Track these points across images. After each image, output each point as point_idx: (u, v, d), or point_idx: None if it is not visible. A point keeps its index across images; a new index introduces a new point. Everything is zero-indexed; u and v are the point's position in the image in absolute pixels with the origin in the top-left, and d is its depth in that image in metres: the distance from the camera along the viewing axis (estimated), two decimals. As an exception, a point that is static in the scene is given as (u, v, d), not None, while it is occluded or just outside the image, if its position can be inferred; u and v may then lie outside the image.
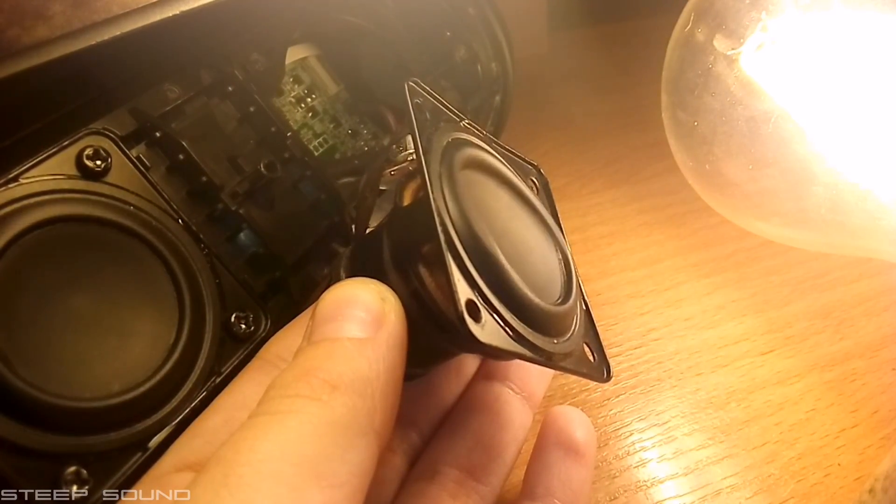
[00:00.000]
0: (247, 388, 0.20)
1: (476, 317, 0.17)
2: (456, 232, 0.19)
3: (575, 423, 0.25)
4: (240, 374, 0.21)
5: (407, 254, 0.20)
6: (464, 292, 0.17)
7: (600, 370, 0.22)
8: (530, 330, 0.19)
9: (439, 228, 0.18)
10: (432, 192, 0.19)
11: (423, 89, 0.23)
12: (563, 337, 0.21)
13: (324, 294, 0.19)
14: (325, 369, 0.17)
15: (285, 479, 0.15)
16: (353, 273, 0.21)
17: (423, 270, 0.19)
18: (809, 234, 0.33)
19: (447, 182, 0.20)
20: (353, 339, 0.18)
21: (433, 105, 0.23)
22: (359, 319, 0.18)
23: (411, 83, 0.22)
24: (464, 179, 0.20)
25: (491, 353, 0.21)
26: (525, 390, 0.26)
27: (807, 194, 0.32)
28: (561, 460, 0.24)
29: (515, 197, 0.23)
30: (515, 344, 0.18)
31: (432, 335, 0.20)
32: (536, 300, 0.20)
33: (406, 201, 0.21)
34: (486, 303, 0.18)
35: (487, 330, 0.17)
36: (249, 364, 0.21)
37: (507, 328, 0.19)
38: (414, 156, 0.22)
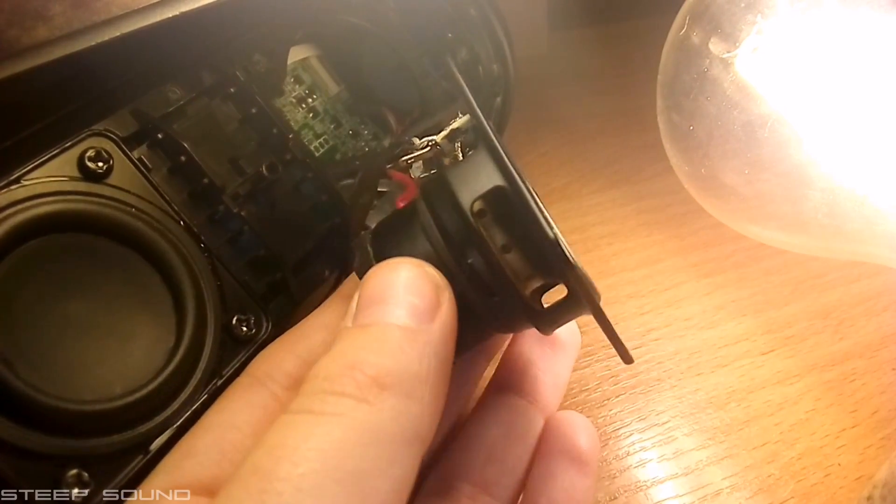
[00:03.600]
0: (236, 406, 0.19)
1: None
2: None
3: (579, 429, 0.24)
4: (227, 390, 0.20)
5: (457, 209, 0.18)
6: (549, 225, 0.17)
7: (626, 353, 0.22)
8: None
9: (511, 167, 0.17)
10: (496, 139, 0.18)
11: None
12: None
13: (371, 271, 0.17)
14: (373, 364, 0.16)
15: (327, 498, 0.14)
16: (381, 250, 0.20)
17: (480, 220, 0.18)
18: (806, 239, 0.33)
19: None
20: (403, 328, 0.16)
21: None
22: (410, 305, 0.17)
23: (448, 59, 0.21)
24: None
25: (568, 302, 0.20)
26: (539, 401, 0.25)
27: (803, 199, 0.32)
28: (564, 470, 0.23)
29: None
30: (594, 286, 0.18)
31: (477, 305, 0.19)
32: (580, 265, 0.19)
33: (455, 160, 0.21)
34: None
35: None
36: (237, 381, 0.20)
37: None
38: (429, 144, 0.22)
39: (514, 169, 0.18)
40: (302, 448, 0.14)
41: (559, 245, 0.16)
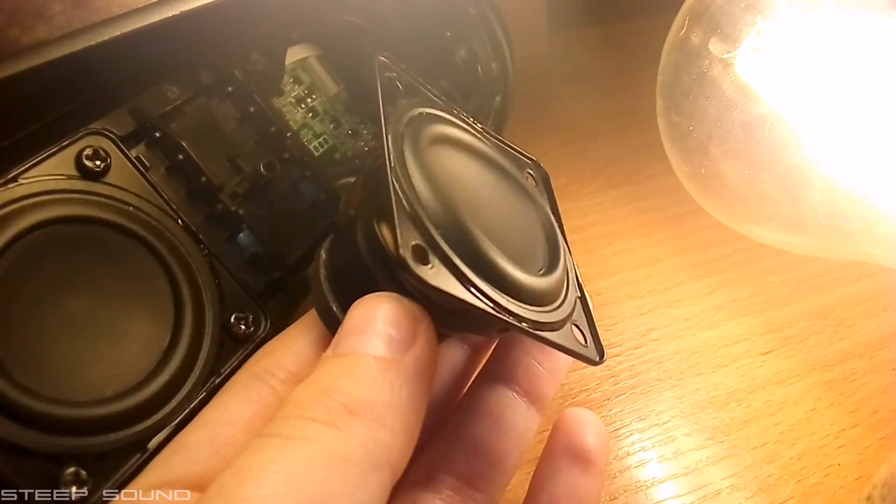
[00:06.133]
0: (231, 402, 0.19)
1: (423, 260, 0.16)
2: (414, 189, 0.18)
3: (586, 427, 0.23)
4: (225, 387, 0.20)
5: (371, 220, 0.19)
6: (409, 235, 0.17)
7: (592, 351, 0.21)
8: (500, 293, 0.18)
9: (389, 171, 0.17)
10: (387, 141, 0.18)
11: (398, 68, 0.22)
12: (544, 307, 0.20)
13: (357, 303, 0.18)
14: (345, 391, 0.16)
15: None
16: (333, 258, 0.20)
17: (381, 230, 0.18)
18: (805, 239, 0.33)
19: (411, 147, 0.19)
20: (377, 358, 0.17)
21: (409, 82, 0.22)
22: (386, 336, 0.17)
23: (381, 58, 0.21)
24: (434, 150, 0.20)
25: (449, 309, 0.19)
26: (532, 393, 0.24)
27: (803, 199, 0.32)
28: (568, 468, 0.22)
29: (496, 173, 0.23)
30: (469, 293, 0.17)
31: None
32: (503, 262, 0.18)
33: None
34: (438, 253, 0.17)
35: (436, 274, 0.16)
36: (235, 377, 0.20)
37: (461, 278, 0.17)
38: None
39: (397, 169, 0.18)
40: (266, 470, 0.15)
41: (403, 263, 0.16)
